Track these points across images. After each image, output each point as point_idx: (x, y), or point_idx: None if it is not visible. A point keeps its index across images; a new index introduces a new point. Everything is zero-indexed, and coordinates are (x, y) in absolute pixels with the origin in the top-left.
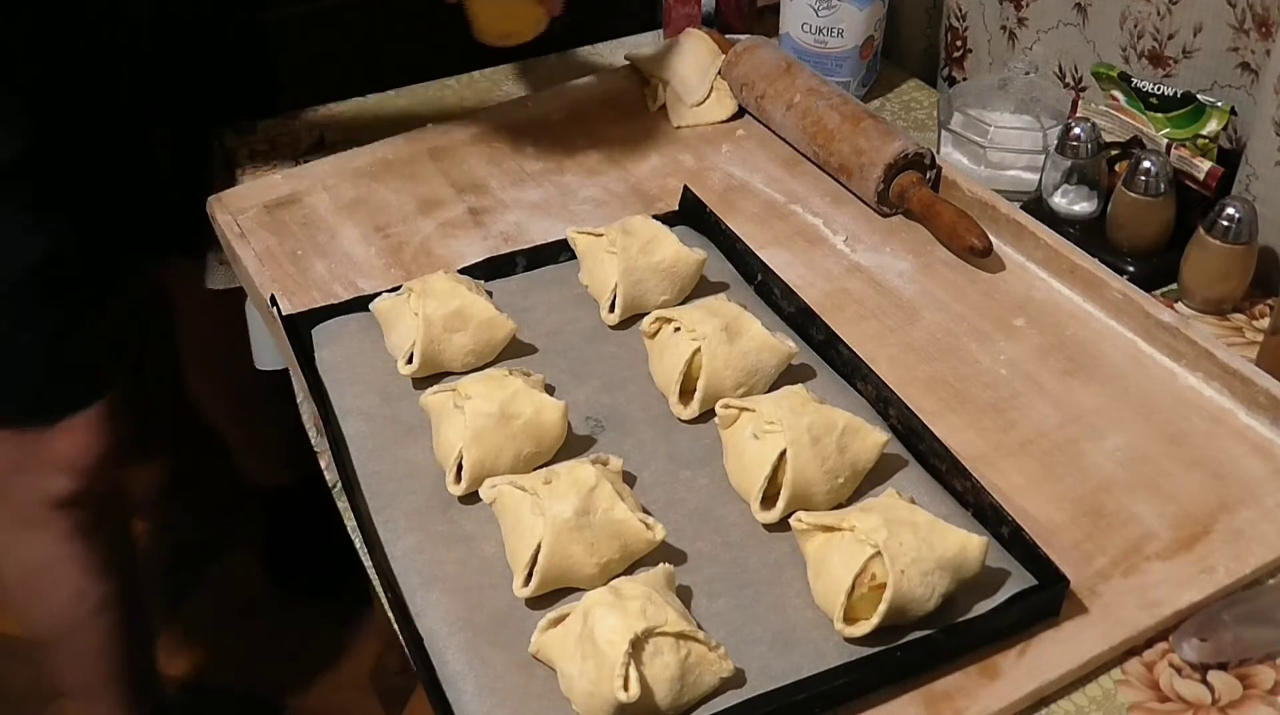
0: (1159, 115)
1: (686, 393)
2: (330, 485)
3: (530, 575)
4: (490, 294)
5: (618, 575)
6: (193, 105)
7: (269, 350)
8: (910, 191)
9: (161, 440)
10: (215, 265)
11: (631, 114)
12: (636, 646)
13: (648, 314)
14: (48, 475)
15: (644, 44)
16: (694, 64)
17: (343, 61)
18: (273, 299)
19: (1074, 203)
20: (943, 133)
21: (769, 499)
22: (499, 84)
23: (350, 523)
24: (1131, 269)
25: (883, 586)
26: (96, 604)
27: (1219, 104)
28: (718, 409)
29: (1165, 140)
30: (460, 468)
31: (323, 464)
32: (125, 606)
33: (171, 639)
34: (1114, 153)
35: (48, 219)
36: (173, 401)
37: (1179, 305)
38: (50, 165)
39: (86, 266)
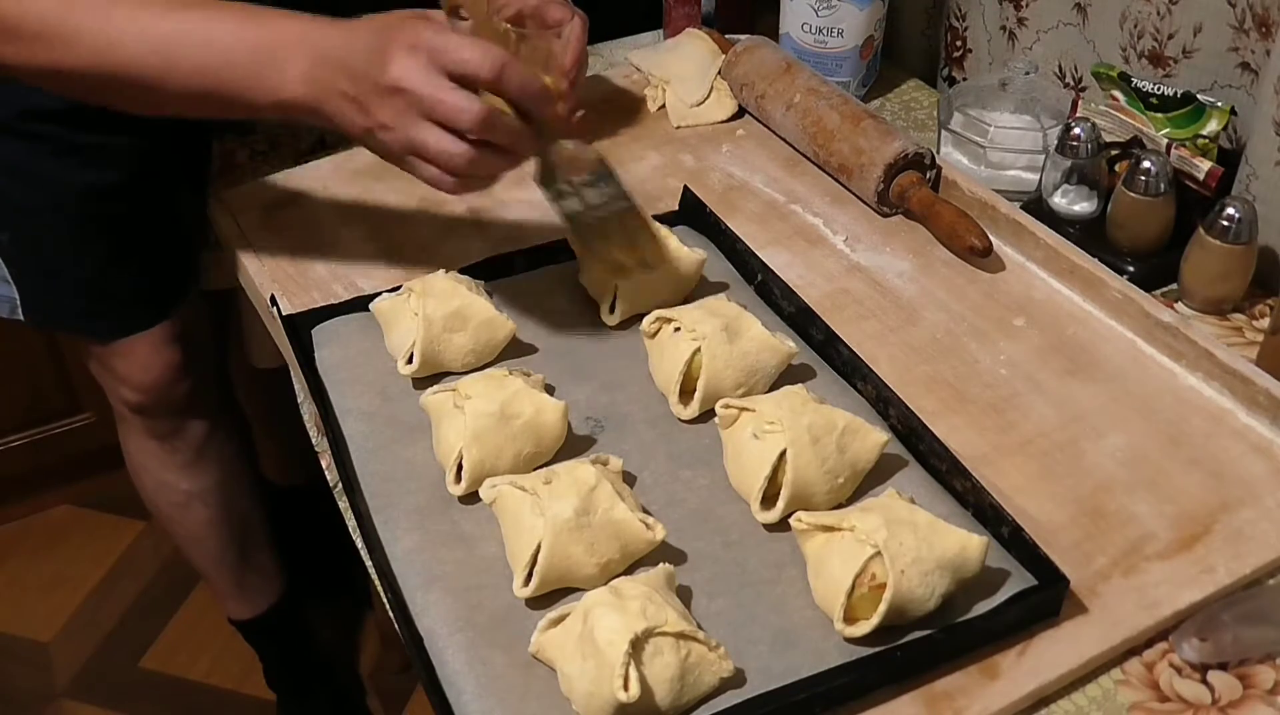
0: (1159, 115)
1: (686, 393)
2: (331, 485)
3: (530, 575)
4: (490, 294)
5: (618, 575)
6: None
7: (264, 348)
8: (910, 191)
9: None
10: (210, 265)
11: (631, 114)
12: (636, 646)
13: (648, 314)
14: (116, 384)
15: (644, 44)
16: (694, 64)
17: None
18: (273, 299)
19: (1074, 203)
20: (943, 133)
21: (769, 499)
22: None
23: (350, 523)
24: (1131, 269)
25: (883, 586)
26: (182, 498)
27: (1219, 104)
28: (718, 409)
29: (1165, 140)
30: (460, 468)
31: (324, 464)
32: (214, 508)
33: (172, 638)
34: (1114, 153)
35: (89, 157)
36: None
37: (1179, 305)
38: (86, 111)
39: (129, 202)
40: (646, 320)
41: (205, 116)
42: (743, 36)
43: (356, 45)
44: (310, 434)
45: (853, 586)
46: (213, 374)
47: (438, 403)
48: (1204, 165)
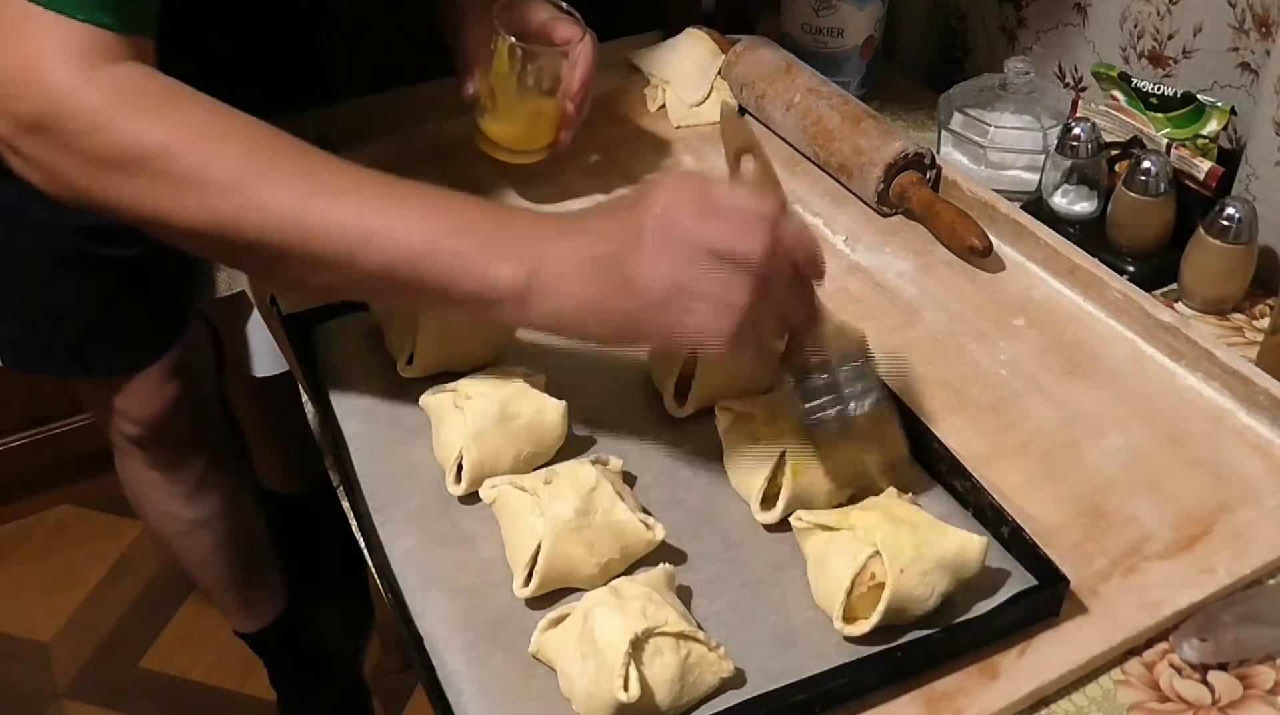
0: (1159, 115)
1: (682, 392)
2: (333, 485)
3: (530, 575)
4: None
5: (618, 575)
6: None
7: (265, 357)
8: (910, 191)
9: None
10: (216, 273)
11: (631, 114)
12: (636, 647)
13: None
14: (115, 418)
15: (644, 44)
16: (694, 64)
17: (344, 61)
18: (273, 299)
19: (1074, 203)
20: (943, 133)
21: (769, 499)
22: None
23: (351, 523)
24: (1131, 269)
25: (882, 586)
26: (187, 525)
27: (1219, 104)
28: (717, 410)
29: (1165, 140)
30: (460, 468)
31: (327, 463)
32: (218, 533)
33: (172, 638)
34: (1114, 153)
35: None
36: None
37: (1179, 305)
38: None
39: (125, 243)
40: None
41: (384, 304)
42: (743, 36)
43: (596, 214)
44: (315, 434)
45: (852, 585)
46: (214, 401)
47: (438, 403)
48: (1204, 165)
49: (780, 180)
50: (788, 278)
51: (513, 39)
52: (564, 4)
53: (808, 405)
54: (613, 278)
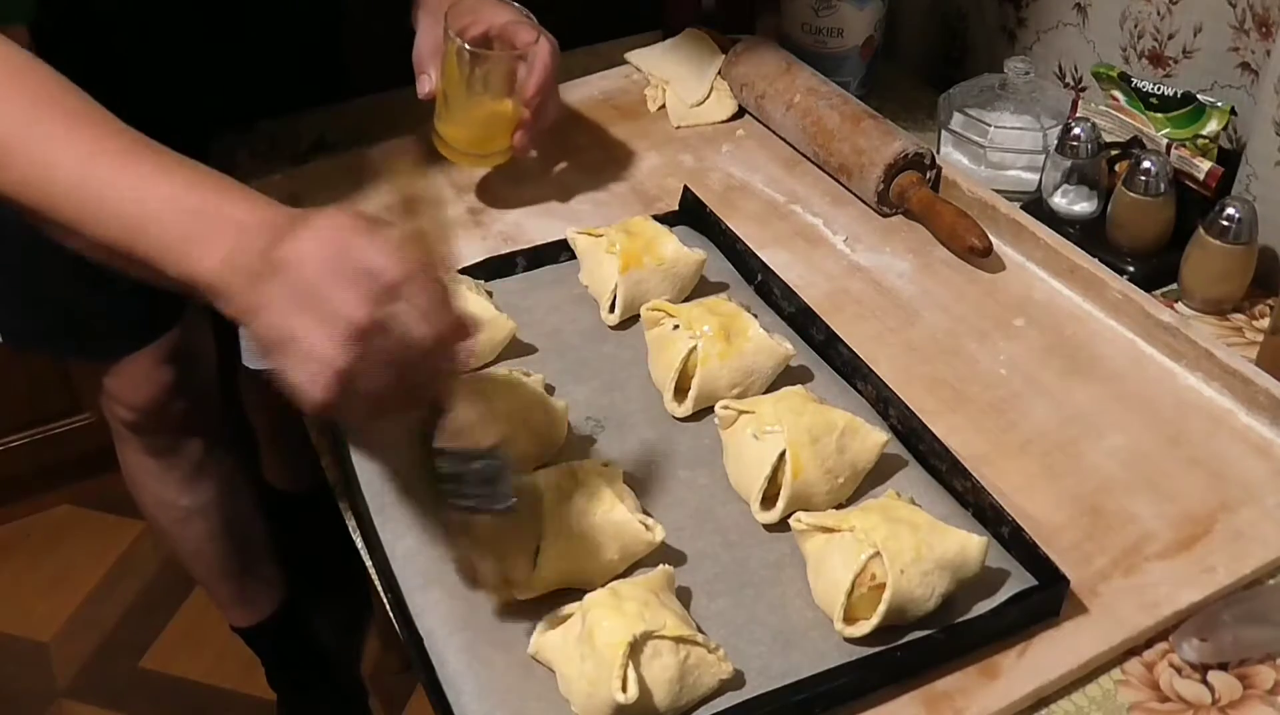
0: (1159, 115)
1: (682, 391)
2: (332, 485)
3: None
4: (490, 294)
5: (618, 576)
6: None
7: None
8: (910, 191)
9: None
10: None
11: (631, 114)
12: (635, 648)
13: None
14: (110, 402)
15: (644, 44)
16: (694, 64)
17: (347, 60)
18: None
19: (1074, 203)
20: (943, 133)
21: (769, 499)
22: None
23: (350, 523)
24: (1131, 269)
25: (882, 586)
26: (182, 513)
27: (1219, 104)
28: (718, 410)
29: (1165, 140)
30: None
31: (324, 463)
32: (214, 522)
33: (172, 638)
34: (1114, 153)
35: None
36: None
37: (1179, 305)
38: None
39: None
40: (645, 307)
41: (109, 265)
42: (743, 36)
43: (276, 224)
44: (311, 433)
45: (852, 586)
46: (213, 389)
47: None
48: (1204, 165)
49: (779, 179)
50: (398, 347)
51: (461, 41)
52: (519, 7)
53: (440, 486)
54: (243, 301)
